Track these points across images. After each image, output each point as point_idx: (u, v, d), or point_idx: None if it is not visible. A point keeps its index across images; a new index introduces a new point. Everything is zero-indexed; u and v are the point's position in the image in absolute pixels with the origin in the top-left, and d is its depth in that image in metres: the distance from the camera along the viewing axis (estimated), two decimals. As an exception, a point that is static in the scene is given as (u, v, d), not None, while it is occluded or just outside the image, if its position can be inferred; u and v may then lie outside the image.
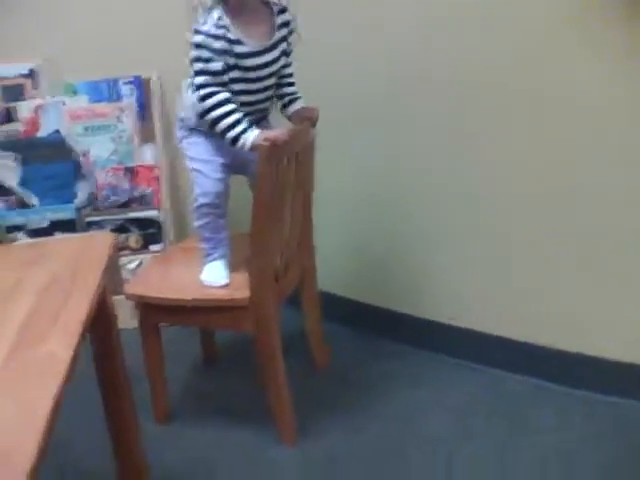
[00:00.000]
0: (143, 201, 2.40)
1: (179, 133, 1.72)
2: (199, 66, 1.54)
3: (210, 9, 1.54)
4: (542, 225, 1.79)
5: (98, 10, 2.33)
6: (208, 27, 1.51)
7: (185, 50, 1.96)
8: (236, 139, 1.54)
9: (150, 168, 2.38)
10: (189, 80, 1.64)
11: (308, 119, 1.69)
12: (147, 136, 2.40)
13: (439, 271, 2.01)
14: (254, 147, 1.52)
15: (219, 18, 1.52)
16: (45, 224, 2.36)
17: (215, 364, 2.11)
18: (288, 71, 1.70)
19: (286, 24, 1.63)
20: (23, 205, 2.38)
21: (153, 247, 2.40)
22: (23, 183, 2.37)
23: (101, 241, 1.46)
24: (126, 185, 2.38)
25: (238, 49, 1.54)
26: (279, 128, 1.56)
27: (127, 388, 1.53)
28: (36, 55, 2.36)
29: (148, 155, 2.39)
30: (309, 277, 1.91)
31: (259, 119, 1.66)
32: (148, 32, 2.35)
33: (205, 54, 1.52)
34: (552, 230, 1.78)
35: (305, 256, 1.88)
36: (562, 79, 1.66)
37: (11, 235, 2.36)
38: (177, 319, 1.77)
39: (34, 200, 2.38)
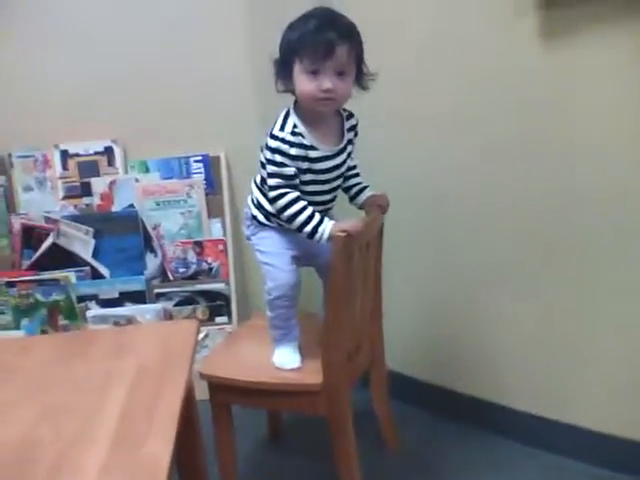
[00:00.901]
0: (210, 274, 2.47)
1: (248, 231, 1.75)
2: (273, 169, 1.58)
3: (286, 116, 1.59)
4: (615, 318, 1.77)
5: (168, 95, 2.47)
6: (284, 134, 1.56)
7: (250, 131, 2.08)
8: (313, 233, 1.58)
9: (217, 242, 2.46)
10: (258, 179, 1.70)
11: (379, 207, 1.74)
12: (215, 211, 2.48)
13: (511, 356, 2.00)
14: (330, 239, 1.56)
15: (295, 125, 1.57)
16: (115, 294, 2.45)
17: (281, 441, 2.12)
18: (352, 164, 1.75)
19: (353, 128, 1.69)
20: (95, 276, 2.47)
21: (219, 319, 2.46)
22: (96, 255, 2.47)
23: (186, 329, 1.49)
24: (194, 258, 2.46)
25: (312, 154, 1.59)
26: (353, 219, 1.60)
27: (205, 471, 1.56)
28: (111, 134, 2.48)
29: (216, 229, 2.48)
30: (377, 358, 1.92)
31: (324, 212, 1.69)
32: (216, 114, 2.48)
33: (279, 158, 1.56)
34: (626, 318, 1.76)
35: (374, 336, 1.90)
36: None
37: (81, 305, 2.45)
38: (248, 401, 1.78)
39: (105, 271, 2.48)
